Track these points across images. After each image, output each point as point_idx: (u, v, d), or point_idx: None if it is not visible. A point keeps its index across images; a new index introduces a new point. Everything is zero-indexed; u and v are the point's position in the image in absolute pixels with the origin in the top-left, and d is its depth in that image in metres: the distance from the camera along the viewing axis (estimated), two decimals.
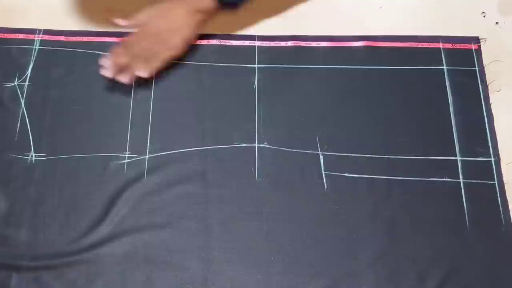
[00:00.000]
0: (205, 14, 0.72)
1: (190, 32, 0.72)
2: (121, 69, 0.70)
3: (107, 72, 0.70)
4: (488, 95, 0.71)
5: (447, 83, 0.72)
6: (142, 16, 0.72)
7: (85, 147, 0.68)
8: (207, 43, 0.75)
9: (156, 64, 0.71)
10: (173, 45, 0.71)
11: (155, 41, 0.70)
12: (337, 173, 0.67)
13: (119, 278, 0.62)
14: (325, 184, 0.67)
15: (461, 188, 0.66)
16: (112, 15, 0.76)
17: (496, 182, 0.67)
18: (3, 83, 0.72)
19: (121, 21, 0.72)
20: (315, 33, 0.76)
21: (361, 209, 0.65)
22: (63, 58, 0.74)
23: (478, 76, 0.73)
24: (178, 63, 0.74)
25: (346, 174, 0.67)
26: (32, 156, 0.68)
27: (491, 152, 0.68)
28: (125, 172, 0.67)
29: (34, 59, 0.74)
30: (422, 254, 0.63)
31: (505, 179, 0.67)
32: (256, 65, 0.74)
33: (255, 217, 0.65)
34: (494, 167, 0.67)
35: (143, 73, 0.70)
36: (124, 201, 0.66)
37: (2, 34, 0.76)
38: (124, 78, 0.70)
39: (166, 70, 0.73)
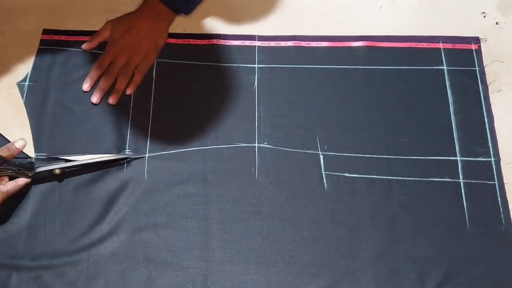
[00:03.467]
0: (167, 20, 0.75)
1: (159, 39, 0.74)
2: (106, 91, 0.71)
3: (94, 98, 0.71)
4: (488, 95, 0.71)
5: (447, 83, 0.72)
6: (106, 33, 0.74)
7: (85, 146, 0.68)
8: (207, 43, 0.75)
9: (138, 77, 0.72)
10: (147, 54, 0.73)
11: (128, 55, 0.72)
12: (337, 173, 0.67)
13: (119, 278, 0.62)
14: (325, 184, 0.67)
15: (461, 188, 0.66)
16: (112, 15, 0.76)
17: (496, 182, 0.67)
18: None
19: (84, 46, 0.74)
20: (315, 33, 0.76)
21: (361, 209, 0.65)
22: (63, 58, 0.74)
23: (478, 76, 0.73)
24: (178, 63, 0.74)
25: (346, 174, 0.67)
26: (33, 155, 0.68)
27: (491, 152, 0.68)
28: (125, 171, 0.67)
29: (34, 58, 0.74)
30: (422, 254, 0.63)
31: (505, 179, 0.67)
32: (256, 65, 0.74)
33: (255, 216, 0.65)
34: (494, 167, 0.67)
35: (129, 90, 0.71)
36: (124, 201, 0.66)
37: None
38: (112, 99, 0.71)
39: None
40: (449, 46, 0.75)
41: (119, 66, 0.72)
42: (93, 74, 0.72)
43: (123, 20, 0.74)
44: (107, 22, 0.75)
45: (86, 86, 0.71)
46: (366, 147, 0.69)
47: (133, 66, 0.72)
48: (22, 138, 0.67)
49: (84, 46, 0.74)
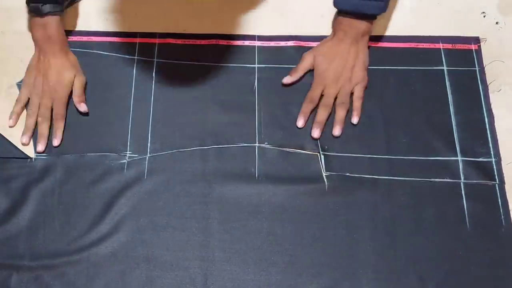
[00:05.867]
0: (367, 33, 0.71)
1: (365, 58, 0.71)
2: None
3: (316, 133, 0.69)
4: (488, 95, 0.71)
5: (447, 83, 0.72)
6: (309, 63, 0.72)
7: (85, 146, 0.68)
8: (207, 43, 0.75)
9: (358, 103, 0.70)
10: (360, 76, 0.70)
11: (342, 82, 0.70)
12: (337, 173, 0.67)
13: (119, 278, 0.62)
14: (325, 184, 0.67)
15: (461, 189, 0.66)
16: (112, 15, 0.76)
17: (496, 183, 0.66)
18: None
19: (286, 79, 0.71)
20: (315, 33, 0.76)
21: (361, 209, 0.65)
22: None
23: (478, 76, 0.73)
24: (178, 63, 0.74)
25: (346, 174, 0.67)
26: (33, 155, 0.68)
27: (492, 152, 0.68)
28: (125, 171, 0.67)
29: None
30: (422, 254, 0.63)
31: (505, 180, 0.66)
32: (256, 65, 0.74)
33: (255, 216, 0.65)
34: (494, 167, 0.67)
35: (355, 119, 0.70)
36: (124, 201, 0.66)
37: None
38: (338, 131, 0.69)
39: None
40: (449, 46, 0.75)
41: (333, 97, 0.70)
42: (306, 109, 0.70)
43: (322, 50, 0.72)
44: (308, 54, 0.72)
45: (301, 123, 0.69)
46: (367, 147, 0.69)
47: (349, 94, 0.70)
48: None
49: (285, 80, 0.71)
